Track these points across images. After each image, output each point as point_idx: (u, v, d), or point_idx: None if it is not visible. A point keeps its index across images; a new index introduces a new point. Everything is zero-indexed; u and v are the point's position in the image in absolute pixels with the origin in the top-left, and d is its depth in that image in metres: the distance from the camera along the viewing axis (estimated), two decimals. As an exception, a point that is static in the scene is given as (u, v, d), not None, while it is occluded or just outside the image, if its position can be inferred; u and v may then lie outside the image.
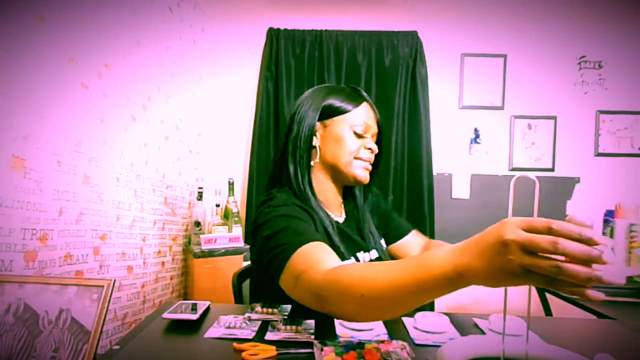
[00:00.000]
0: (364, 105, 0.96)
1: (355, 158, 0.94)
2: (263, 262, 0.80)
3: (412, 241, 1.12)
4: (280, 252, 0.73)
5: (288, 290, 0.72)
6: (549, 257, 0.41)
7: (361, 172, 0.95)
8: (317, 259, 0.68)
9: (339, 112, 0.94)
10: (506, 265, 0.42)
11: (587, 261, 0.39)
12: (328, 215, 0.94)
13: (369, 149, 0.95)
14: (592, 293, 0.40)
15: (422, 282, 0.50)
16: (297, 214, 0.82)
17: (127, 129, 1.38)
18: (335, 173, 0.96)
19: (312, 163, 0.95)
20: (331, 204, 0.99)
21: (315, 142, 0.95)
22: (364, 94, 0.99)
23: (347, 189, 1.06)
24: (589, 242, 0.40)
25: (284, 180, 0.95)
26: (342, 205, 1.04)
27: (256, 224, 0.85)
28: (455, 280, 0.47)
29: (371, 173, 1.00)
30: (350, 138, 0.93)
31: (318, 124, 0.95)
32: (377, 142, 0.99)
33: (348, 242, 0.95)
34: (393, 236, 1.11)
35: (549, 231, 0.41)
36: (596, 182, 2.32)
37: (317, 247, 0.72)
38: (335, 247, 0.86)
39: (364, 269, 0.60)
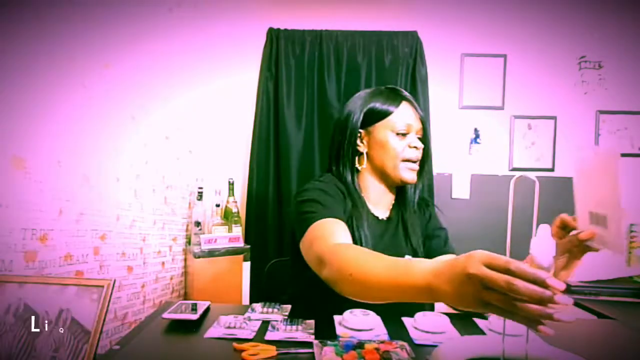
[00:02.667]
0: (404, 104, 0.98)
1: (403, 160, 0.96)
2: (293, 222, 0.93)
3: None
4: (305, 219, 0.85)
5: (304, 251, 0.83)
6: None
7: (408, 173, 0.98)
8: (331, 231, 0.80)
9: (380, 116, 0.97)
10: (469, 295, 0.47)
11: (539, 301, 0.42)
12: (369, 212, 1.00)
13: (414, 147, 0.97)
14: (543, 329, 0.44)
15: (400, 286, 0.56)
16: (332, 192, 0.93)
17: (127, 129, 1.38)
18: (384, 176, 1.00)
19: (359, 167, 1.00)
20: (378, 201, 1.03)
21: (363, 148, 1.00)
22: (404, 93, 1.00)
23: (399, 189, 1.07)
24: (542, 284, 0.42)
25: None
26: (392, 205, 1.07)
27: (298, 191, 0.97)
28: (428, 296, 0.52)
29: (419, 171, 1.02)
30: (394, 141, 0.96)
31: (362, 131, 1.00)
32: (422, 138, 1.01)
33: (377, 240, 0.98)
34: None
35: (507, 271, 0.44)
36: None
37: (335, 223, 0.83)
38: (357, 239, 0.92)
39: (360, 254, 0.68)
